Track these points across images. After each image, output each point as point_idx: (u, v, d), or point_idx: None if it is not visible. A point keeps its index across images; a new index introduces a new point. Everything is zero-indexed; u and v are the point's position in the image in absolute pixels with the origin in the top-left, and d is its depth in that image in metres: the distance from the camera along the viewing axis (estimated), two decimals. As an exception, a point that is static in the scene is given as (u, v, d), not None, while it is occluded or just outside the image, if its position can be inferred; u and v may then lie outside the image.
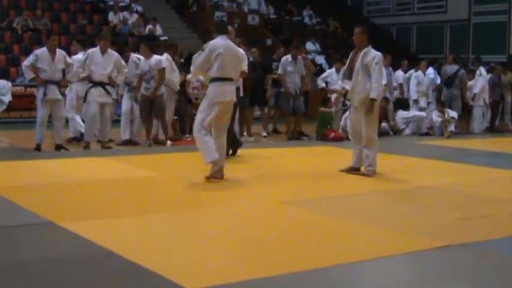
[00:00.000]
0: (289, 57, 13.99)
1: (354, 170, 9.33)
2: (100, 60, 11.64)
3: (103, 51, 11.67)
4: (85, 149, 11.58)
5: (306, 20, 28.23)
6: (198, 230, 6.08)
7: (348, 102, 9.51)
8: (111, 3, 23.62)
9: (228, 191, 8.02)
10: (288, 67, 13.93)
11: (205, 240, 5.67)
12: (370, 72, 9.02)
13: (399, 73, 16.97)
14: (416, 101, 16.32)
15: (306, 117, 14.55)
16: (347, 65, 9.57)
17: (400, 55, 22.15)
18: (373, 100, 8.98)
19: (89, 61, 11.64)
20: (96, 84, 11.60)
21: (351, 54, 9.52)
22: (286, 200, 7.35)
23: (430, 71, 16.73)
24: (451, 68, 16.84)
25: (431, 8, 29.22)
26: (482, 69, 16.95)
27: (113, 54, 11.82)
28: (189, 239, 5.70)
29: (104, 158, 10.62)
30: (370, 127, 9.13)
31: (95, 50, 11.75)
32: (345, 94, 11.89)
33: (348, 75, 9.42)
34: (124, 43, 19.84)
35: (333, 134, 13.86)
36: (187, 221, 6.43)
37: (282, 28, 26.63)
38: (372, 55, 9.11)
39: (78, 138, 12.61)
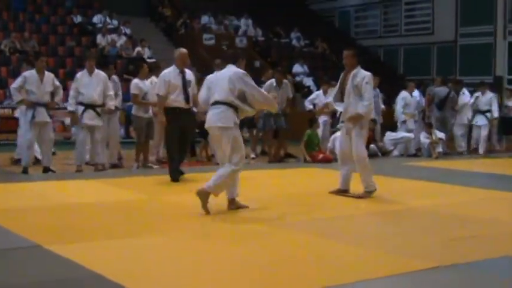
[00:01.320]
0: (273, 81, 13.95)
1: (342, 191, 9.33)
2: (88, 81, 11.58)
3: (90, 72, 11.63)
4: (77, 172, 11.52)
5: (294, 42, 28.37)
6: (188, 253, 6.05)
7: (339, 125, 9.50)
8: (100, 25, 23.69)
9: (217, 213, 7.99)
10: (272, 91, 13.91)
11: (195, 264, 5.63)
12: (362, 93, 9.06)
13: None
14: (404, 122, 16.36)
15: (288, 135, 14.47)
16: (338, 87, 9.56)
17: (387, 77, 22.26)
18: (359, 115, 9.03)
19: (77, 84, 11.58)
20: (87, 107, 11.55)
21: (341, 76, 9.55)
22: (275, 222, 7.33)
23: (416, 93, 16.82)
24: (441, 91, 16.95)
25: (418, 30, 29.44)
26: (465, 90, 17.06)
27: (100, 73, 11.76)
28: (178, 262, 5.67)
29: (92, 180, 10.57)
30: (360, 147, 9.16)
31: (82, 72, 11.70)
32: (338, 117, 12.00)
33: (340, 98, 9.42)
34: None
35: (321, 156, 13.87)
36: (177, 244, 6.39)
37: (270, 50, 26.75)
38: (362, 75, 9.16)
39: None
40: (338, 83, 9.58)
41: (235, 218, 7.71)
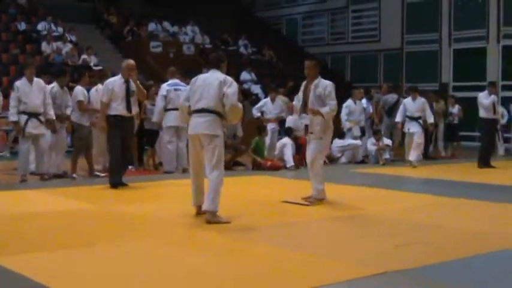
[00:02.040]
0: None
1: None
2: (29, 90, 11.39)
3: (30, 80, 11.44)
4: (21, 182, 11.35)
5: (242, 49, 28.43)
6: (136, 263, 6.00)
7: (308, 136, 9.55)
8: (44, 32, 23.39)
9: (166, 221, 7.96)
10: None
11: (143, 273, 5.58)
12: (325, 102, 9.17)
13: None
14: (349, 130, 16.45)
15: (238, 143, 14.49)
16: (301, 100, 9.60)
17: (335, 84, 22.37)
18: (319, 112, 9.17)
19: (18, 94, 11.39)
20: (30, 115, 11.39)
21: (301, 87, 9.62)
22: (225, 230, 7.33)
23: (363, 100, 16.98)
24: (391, 97, 17.17)
25: (365, 38, 29.79)
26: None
27: (39, 81, 11.58)
28: (125, 272, 5.62)
29: (37, 190, 10.44)
30: (314, 154, 9.28)
31: (21, 81, 11.50)
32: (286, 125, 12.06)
33: (304, 110, 9.48)
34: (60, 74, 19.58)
35: (269, 163, 13.93)
36: (125, 253, 6.34)
37: (217, 58, 26.68)
38: (324, 85, 9.30)
39: None
40: (300, 95, 9.64)
41: (183, 227, 7.69)
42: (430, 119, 15.72)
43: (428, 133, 16.86)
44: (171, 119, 12.88)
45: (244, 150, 14.13)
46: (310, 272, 5.63)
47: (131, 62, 11.16)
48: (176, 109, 12.88)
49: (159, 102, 13.13)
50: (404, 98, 17.16)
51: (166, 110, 13.01)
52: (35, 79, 11.53)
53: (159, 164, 14.12)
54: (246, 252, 6.44)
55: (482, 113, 15.32)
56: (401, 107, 15.80)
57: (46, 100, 11.54)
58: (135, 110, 11.07)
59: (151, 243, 6.80)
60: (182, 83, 13.12)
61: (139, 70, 23.80)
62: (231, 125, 12.37)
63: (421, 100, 15.69)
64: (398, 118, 15.76)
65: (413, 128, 15.38)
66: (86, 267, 5.75)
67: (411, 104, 15.60)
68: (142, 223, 7.90)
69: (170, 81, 13.35)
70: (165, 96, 13.03)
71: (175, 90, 12.97)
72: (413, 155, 15.17)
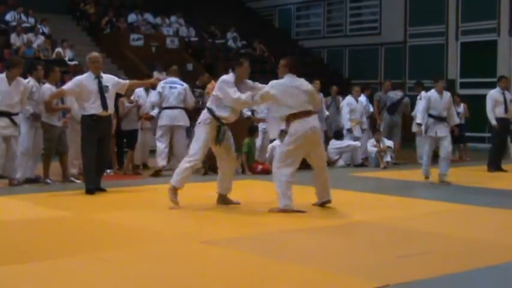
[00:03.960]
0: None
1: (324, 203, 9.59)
2: (6, 88, 11.34)
3: (11, 79, 11.35)
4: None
5: (230, 43, 28.43)
6: (113, 275, 5.97)
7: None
8: (14, 23, 23.32)
9: (146, 229, 7.95)
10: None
11: (121, 283, 5.58)
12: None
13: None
14: (349, 130, 16.47)
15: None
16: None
17: (331, 80, 22.46)
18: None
19: None
20: (2, 114, 11.33)
21: None
22: (210, 240, 7.32)
23: (363, 98, 17.00)
24: (394, 94, 17.18)
25: (365, 30, 29.85)
26: (423, 94, 17.17)
27: (21, 81, 11.52)
28: (102, 285, 5.60)
29: (5, 197, 10.40)
30: (276, 159, 9.49)
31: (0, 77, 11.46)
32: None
33: None
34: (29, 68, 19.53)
35: (260, 167, 13.93)
36: (102, 264, 6.31)
37: (204, 52, 26.73)
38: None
39: None
40: None
41: (164, 235, 7.68)
42: (456, 120, 13.88)
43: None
44: (165, 118, 13.66)
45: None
46: (302, 285, 5.62)
47: (94, 54, 11.38)
48: (171, 108, 13.53)
49: (153, 98, 13.94)
50: (406, 96, 17.20)
51: (162, 108, 13.74)
52: (18, 79, 11.46)
53: (137, 166, 14.18)
54: (233, 264, 6.42)
55: (495, 112, 15.29)
56: (423, 104, 13.51)
57: (24, 98, 11.54)
58: (111, 108, 11.12)
59: (130, 253, 6.77)
60: (179, 81, 13.92)
61: (118, 65, 23.80)
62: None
63: (448, 95, 13.37)
64: (419, 119, 13.47)
65: (442, 132, 13.02)
66: (59, 281, 5.72)
67: (438, 100, 13.12)
68: (120, 232, 7.88)
69: (167, 79, 14.13)
70: (160, 93, 13.71)
71: (171, 88, 13.72)
72: (444, 167, 13.04)
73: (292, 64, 9.37)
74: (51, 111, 11.90)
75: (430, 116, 12.96)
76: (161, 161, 13.65)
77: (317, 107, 9.57)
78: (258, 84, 9.74)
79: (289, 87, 9.18)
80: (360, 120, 16.63)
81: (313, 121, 9.25)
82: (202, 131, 9.46)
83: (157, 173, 13.47)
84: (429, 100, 13.05)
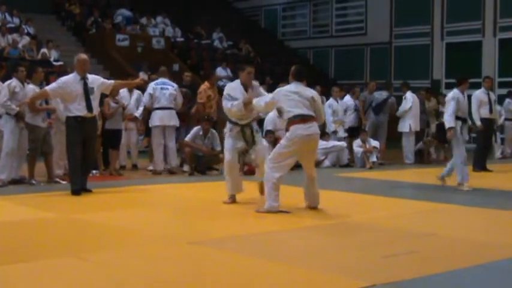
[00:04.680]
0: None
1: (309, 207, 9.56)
2: None
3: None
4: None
5: (216, 43, 28.42)
6: (99, 275, 5.96)
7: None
8: (-2, 23, 23.24)
9: (132, 230, 7.93)
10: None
11: (107, 285, 5.56)
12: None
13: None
14: (334, 132, 16.52)
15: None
16: None
17: (318, 80, 22.50)
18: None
19: None
20: None
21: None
22: (197, 240, 7.31)
23: (347, 97, 17.11)
24: (379, 94, 17.21)
25: (351, 30, 29.91)
26: (408, 94, 17.27)
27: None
28: (87, 286, 5.58)
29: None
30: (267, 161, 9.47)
31: None
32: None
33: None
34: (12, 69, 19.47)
35: (246, 168, 13.89)
36: (89, 266, 6.29)
37: (189, 52, 26.70)
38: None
39: None
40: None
41: (152, 236, 7.67)
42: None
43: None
44: (157, 119, 13.90)
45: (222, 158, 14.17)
46: (290, 284, 5.63)
47: (83, 56, 11.45)
48: (162, 108, 13.76)
49: (144, 100, 14.12)
50: (392, 96, 17.26)
51: (153, 109, 13.94)
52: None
53: (121, 167, 14.25)
54: (221, 264, 6.42)
55: (480, 113, 15.39)
56: (452, 105, 12.13)
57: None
58: (96, 109, 11.12)
59: (117, 254, 6.75)
60: (170, 82, 14.21)
61: (104, 66, 23.73)
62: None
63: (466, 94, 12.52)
64: (451, 122, 12.03)
65: (466, 135, 12.54)
66: (44, 282, 5.70)
67: (463, 100, 12.31)
68: (106, 233, 7.86)
69: (158, 80, 14.29)
70: (151, 95, 13.92)
71: (162, 89, 13.94)
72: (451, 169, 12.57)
73: (296, 72, 9.54)
74: (35, 112, 11.85)
75: (457, 118, 12.09)
76: (161, 164, 14.04)
77: (320, 119, 9.61)
78: (265, 93, 10.06)
79: (291, 93, 9.29)
80: (342, 120, 16.69)
81: (312, 127, 9.28)
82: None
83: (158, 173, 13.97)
84: (457, 101, 12.10)
